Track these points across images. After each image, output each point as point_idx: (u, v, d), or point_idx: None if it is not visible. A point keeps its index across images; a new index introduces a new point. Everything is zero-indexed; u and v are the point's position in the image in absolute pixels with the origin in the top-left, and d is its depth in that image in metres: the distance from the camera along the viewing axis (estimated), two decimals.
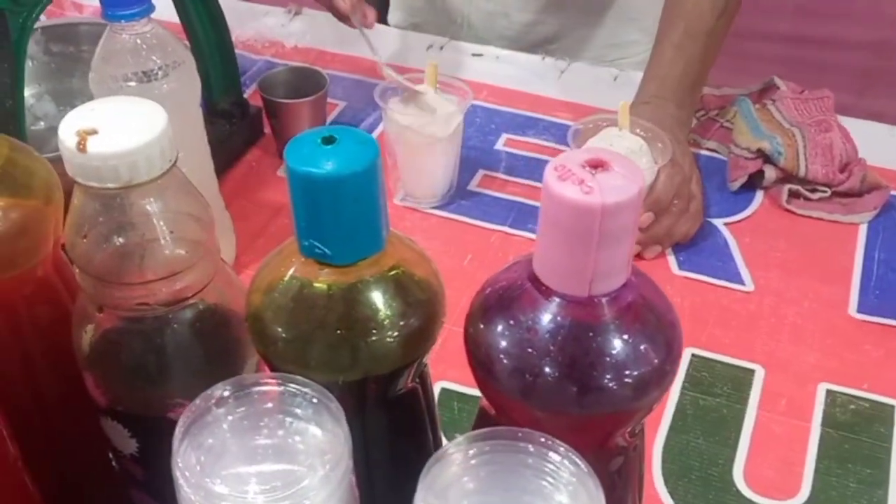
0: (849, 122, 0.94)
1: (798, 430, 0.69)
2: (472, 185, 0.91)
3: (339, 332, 0.42)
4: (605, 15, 1.14)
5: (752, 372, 0.73)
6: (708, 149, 0.95)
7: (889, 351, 0.75)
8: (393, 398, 0.46)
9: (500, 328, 0.41)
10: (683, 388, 0.72)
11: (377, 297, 0.42)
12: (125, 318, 0.45)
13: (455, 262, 0.83)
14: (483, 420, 0.45)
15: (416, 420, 0.48)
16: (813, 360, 0.74)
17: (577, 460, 0.35)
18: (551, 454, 0.35)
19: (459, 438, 0.37)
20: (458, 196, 0.89)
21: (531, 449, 0.35)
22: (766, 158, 0.88)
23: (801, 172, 0.87)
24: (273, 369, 0.44)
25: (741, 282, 0.81)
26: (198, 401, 0.38)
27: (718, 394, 0.72)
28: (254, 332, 0.44)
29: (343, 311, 0.42)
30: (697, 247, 0.84)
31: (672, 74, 0.89)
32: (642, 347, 0.40)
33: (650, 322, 0.41)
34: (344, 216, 0.40)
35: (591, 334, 0.39)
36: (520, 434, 0.36)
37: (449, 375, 0.71)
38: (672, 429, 0.69)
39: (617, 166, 0.37)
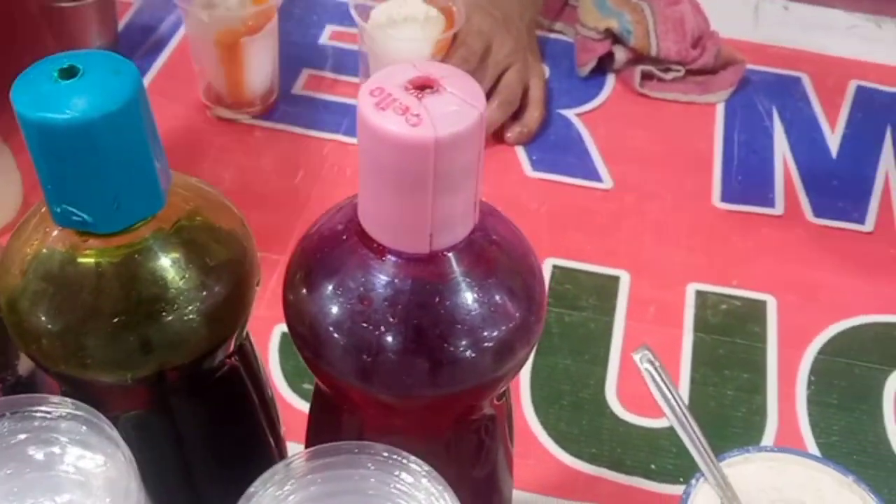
0: None
1: (670, 339, 0.64)
2: (297, 89, 0.80)
3: (117, 318, 0.32)
4: None
5: (616, 279, 0.67)
6: (554, 31, 0.87)
7: (756, 242, 0.70)
8: (205, 387, 0.37)
9: (325, 297, 0.32)
10: (548, 304, 0.65)
11: (163, 268, 0.33)
12: None
13: (285, 180, 0.73)
14: (320, 405, 0.37)
15: (239, 406, 0.39)
16: (679, 259, 0.69)
17: (432, 480, 0.27)
18: (401, 473, 0.27)
19: (288, 460, 0.28)
20: (282, 102, 0.79)
21: (372, 467, 0.27)
22: (615, 39, 0.81)
23: (653, 51, 0.80)
24: (45, 371, 0.34)
25: (599, 179, 0.74)
26: None
27: (584, 307, 0.66)
28: (12, 326, 0.34)
29: (120, 292, 0.32)
30: (550, 143, 0.77)
31: None
32: (500, 305, 0.32)
33: (506, 273, 0.33)
34: (103, 172, 0.30)
35: (437, 298, 0.31)
36: (356, 449, 0.28)
37: None
38: (538, 352, 0.62)
39: (450, 85, 0.28)
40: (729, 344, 0.64)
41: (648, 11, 0.81)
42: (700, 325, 0.64)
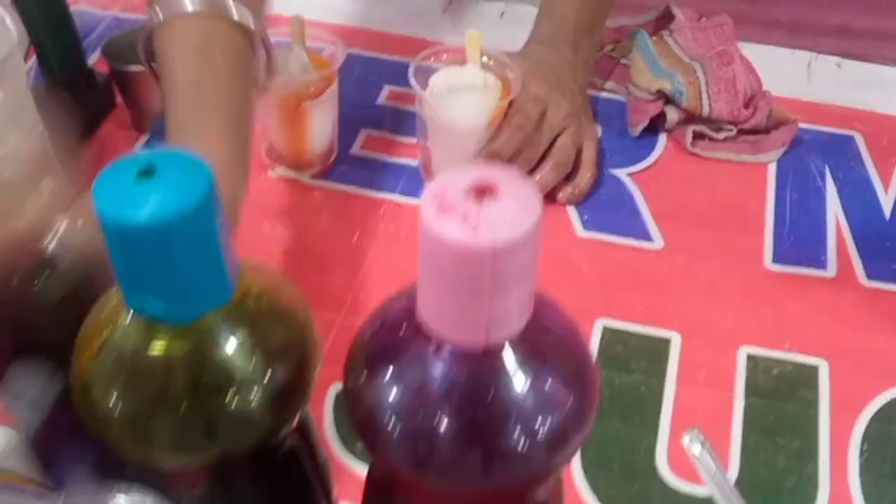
0: (750, 49, 0.88)
1: (721, 403, 0.64)
2: (356, 149, 0.83)
3: (185, 405, 0.34)
4: None
5: (667, 341, 0.68)
6: (606, 90, 0.88)
7: (809, 304, 0.70)
8: (266, 464, 0.38)
9: (382, 387, 0.34)
10: (598, 367, 0.66)
11: (229, 355, 0.34)
12: None
13: (343, 240, 0.75)
14: (376, 483, 0.38)
15: (297, 480, 0.41)
16: (731, 321, 0.69)
17: None
18: None
19: None
20: (341, 162, 0.81)
21: None
22: (668, 99, 0.82)
23: (705, 112, 0.81)
24: (112, 453, 0.36)
25: (650, 238, 0.75)
26: None
27: (634, 369, 0.66)
28: (84, 411, 0.36)
29: (187, 379, 0.34)
30: (601, 202, 0.78)
31: (567, 15, 0.81)
32: (554, 396, 0.33)
33: (560, 363, 0.34)
34: (176, 267, 0.32)
35: (492, 390, 0.32)
36: None
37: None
38: None
39: (507, 190, 0.30)
40: (780, 409, 0.64)
41: (701, 72, 0.82)
42: (751, 390, 0.65)
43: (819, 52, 0.94)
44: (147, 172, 0.31)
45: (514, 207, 0.29)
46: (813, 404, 0.64)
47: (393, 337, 0.34)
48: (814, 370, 0.66)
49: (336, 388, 0.64)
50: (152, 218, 0.30)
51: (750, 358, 0.67)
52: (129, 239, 0.31)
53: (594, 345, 0.68)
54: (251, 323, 0.35)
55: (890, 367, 0.66)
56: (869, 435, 0.62)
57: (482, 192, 0.30)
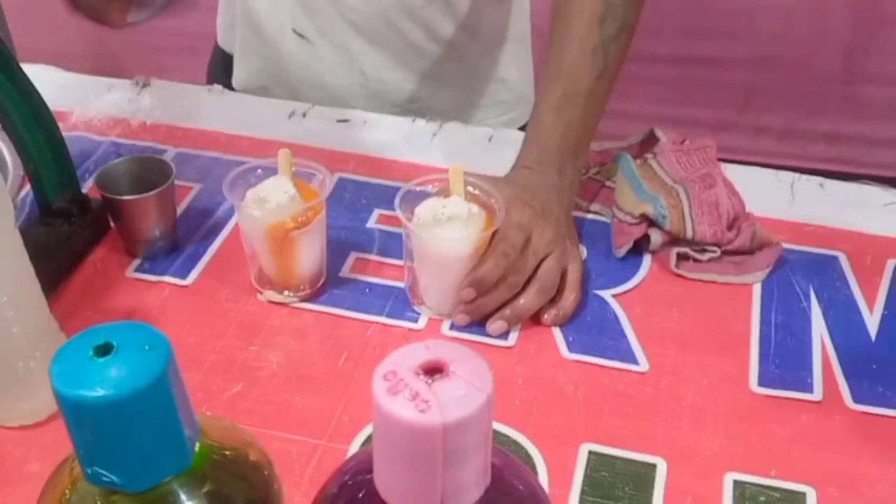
0: (733, 170, 0.90)
1: None
2: (345, 272, 0.84)
3: None
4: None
5: (653, 467, 0.68)
6: (591, 212, 0.89)
7: (795, 430, 0.70)
8: None
9: None
10: (583, 492, 0.66)
11: None
12: None
13: (329, 363, 0.75)
14: None
15: None
16: (716, 446, 0.69)
17: None
18: None
19: None
20: (330, 285, 0.82)
21: None
22: (651, 222, 0.83)
23: (689, 234, 0.82)
24: None
25: (635, 361, 0.75)
26: None
27: (620, 496, 0.66)
28: None
29: None
30: (586, 324, 0.79)
31: (552, 139, 0.83)
32: None
33: None
34: (132, 440, 0.32)
35: None
36: None
37: None
38: None
39: (459, 369, 0.30)
40: None
41: (684, 195, 0.83)
42: None
43: (811, 158, 0.95)
44: (104, 350, 0.32)
45: (465, 386, 0.30)
46: None
47: (351, 499, 0.34)
48: (801, 497, 0.65)
49: None
50: (106, 396, 0.31)
51: (737, 485, 0.66)
52: (84, 415, 0.31)
53: (580, 470, 0.67)
54: (211, 484, 0.35)
55: (877, 495, 0.66)
56: None
57: (433, 370, 0.30)
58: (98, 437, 0.31)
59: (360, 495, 0.34)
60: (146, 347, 0.32)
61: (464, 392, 0.30)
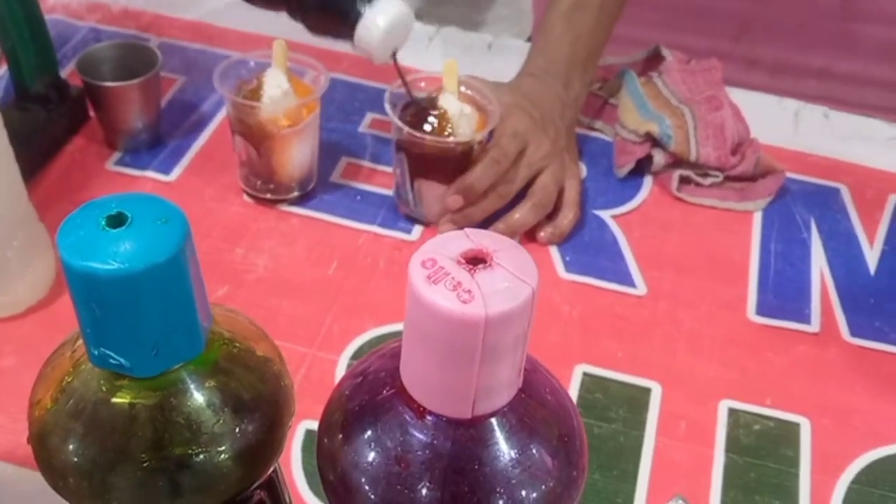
0: (737, 95, 0.87)
1: (700, 458, 0.62)
2: (335, 176, 0.81)
3: (148, 460, 0.32)
4: None
5: (648, 391, 0.66)
6: (593, 129, 0.87)
7: (791, 360, 0.69)
8: None
9: (360, 451, 0.32)
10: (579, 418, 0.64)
11: (197, 410, 0.32)
12: None
13: (319, 270, 0.72)
14: None
15: None
16: (712, 372, 0.68)
17: None
18: None
19: None
20: (320, 189, 0.79)
21: None
22: (655, 142, 0.81)
23: (693, 157, 0.80)
24: None
25: (633, 284, 0.74)
26: None
27: (614, 419, 0.64)
28: (39, 460, 0.33)
29: (152, 434, 0.32)
30: (585, 244, 0.77)
31: (560, 49, 0.80)
32: (541, 469, 0.31)
33: (548, 435, 0.32)
34: (144, 321, 0.29)
35: (476, 463, 0.30)
36: None
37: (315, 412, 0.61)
38: None
39: (501, 259, 0.28)
40: (761, 467, 0.62)
41: (689, 116, 0.80)
42: (732, 446, 0.63)
43: (802, 95, 0.93)
44: (117, 221, 0.29)
45: (509, 278, 0.28)
46: (794, 464, 0.62)
47: (373, 397, 0.32)
48: (795, 428, 0.65)
49: (306, 424, 0.61)
50: (119, 269, 0.28)
51: (731, 412, 0.65)
52: (94, 290, 0.28)
53: (573, 391, 0.66)
54: (222, 376, 0.33)
55: (871, 428, 0.65)
56: (850, 498, 0.61)
57: (475, 260, 0.28)
58: (108, 315, 0.29)
59: (384, 391, 0.31)
60: (162, 220, 0.29)
61: (509, 284, 0.27)
